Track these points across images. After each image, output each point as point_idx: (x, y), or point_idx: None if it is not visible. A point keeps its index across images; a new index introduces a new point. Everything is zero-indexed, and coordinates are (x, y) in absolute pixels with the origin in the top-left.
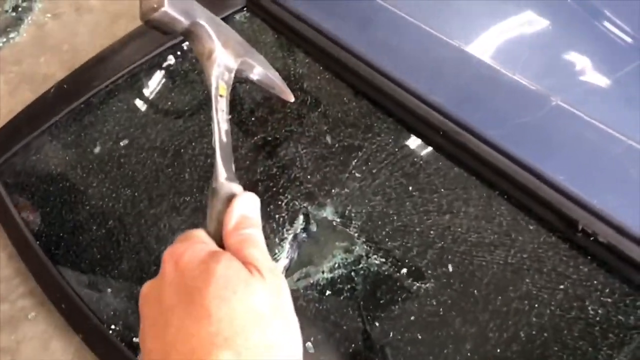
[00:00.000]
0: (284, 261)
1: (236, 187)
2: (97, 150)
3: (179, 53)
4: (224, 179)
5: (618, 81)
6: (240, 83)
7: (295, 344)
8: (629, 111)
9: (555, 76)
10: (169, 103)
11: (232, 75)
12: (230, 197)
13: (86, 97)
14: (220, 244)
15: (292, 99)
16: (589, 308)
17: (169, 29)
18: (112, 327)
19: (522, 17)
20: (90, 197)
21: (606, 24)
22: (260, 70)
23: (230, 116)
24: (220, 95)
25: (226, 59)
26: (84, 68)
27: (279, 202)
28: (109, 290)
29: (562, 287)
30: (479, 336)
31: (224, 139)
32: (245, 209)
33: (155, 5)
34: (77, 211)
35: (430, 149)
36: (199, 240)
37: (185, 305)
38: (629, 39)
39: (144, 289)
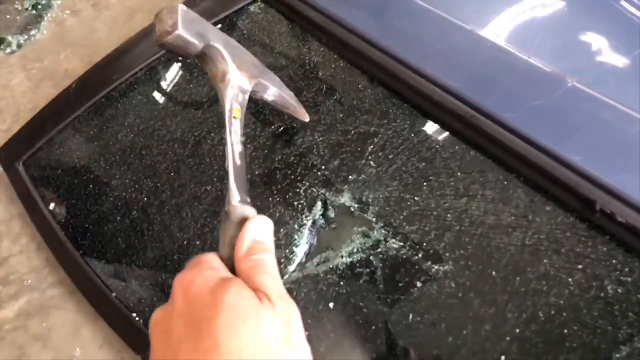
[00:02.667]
0: (303, 247)
1: (249, 211)
2: (119, 142)
3: None
4: (237, 202)
5: (634, 60)
6: None
7: None
8: None
9: (570, 58)
10: (188, 94)
11: (247, 96)
12: (243, 221)
13: (107, 91)
14: (233, 268)
15: (307, 119)
16: (608, 288)
17: (183, 52)
18: (139, 314)
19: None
20: (114, 188)
21: (623, 2)
22: (275, 91)
23: (244, 138)
24: (235, 118)
25: (240, 80)
26: (103, 63)
27: (298, 190)
28: (135, 278)
29: (580, 267)
30: (498, 317)
31: (238, 161)
32: (257, 233)
33: (169, 29)
34: (102, 202)
35: (446, 133)
36: (210, 266)
37: (194, 337)
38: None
39: (154, 317)
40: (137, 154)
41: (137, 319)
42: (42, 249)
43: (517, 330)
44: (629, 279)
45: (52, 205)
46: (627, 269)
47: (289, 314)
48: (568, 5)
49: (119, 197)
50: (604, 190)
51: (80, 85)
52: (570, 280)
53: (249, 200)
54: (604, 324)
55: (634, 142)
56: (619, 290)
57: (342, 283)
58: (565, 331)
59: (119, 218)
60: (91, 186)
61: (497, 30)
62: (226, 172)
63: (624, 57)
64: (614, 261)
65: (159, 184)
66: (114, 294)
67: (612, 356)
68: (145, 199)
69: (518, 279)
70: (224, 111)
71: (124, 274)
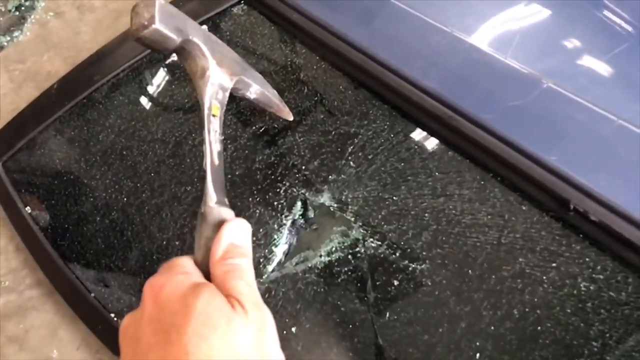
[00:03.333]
0: (282, 247)
1: (226, 212)
2: (99, 143)
3: None
4: (213, 202)
5: (609, 62)
6: None
7: None
8: (619, 91)
9: (546, 60)
10: (170, 95)
11: (227, 94)
12: (220, 223)
13: (88, 91)
14: (208, 272)
15: (291, 118)
16: (581, 285)
17: (160, 47)
18: (117, 314)
19: (515, 3)
20: (94, 189)
21: (599, 6)
22: (257, 89)
23: (223, 137)
24: (213, 115)
25: (220, 77)
26: (85, 64)
27: (277, 190)
28: (114, 279)
29: (554, 265)
30: (473, 315)
31: (216, 160)
32: (234, 236)
33: (145, 22)
34: (82, 203)
35: (424, 134)
36: (182, 270)
37: (162, 344)
38: (619, 20)
39: (123, 322)
40: (117, 154)
41: (116, 319)
42: (20, 250)
43: (492, 328)
44: (601, 277)
45: (31, 206)
46: (599, 267)
47: (262, 321)
48: (544, 8)
49: (99, 197)
50: (577, 189)
51: (61, 86)
52: (544, 277)
53: (226, 201)
54: (577, 320)
55: (606, 142)
56: (592, 288)
57: (320, 282)
58: (539, 328)
59: (98, 218)
60: (71, 187)
61: (477, 33)
62: (203, 172)
63: (597, 59)
64: (587, 259)
65: (138, 184)
66: (92, 295)
67: (584, 352)
68: (125, 199)
69: (493, 276)
70: (203, 109)
71: (102, 274)
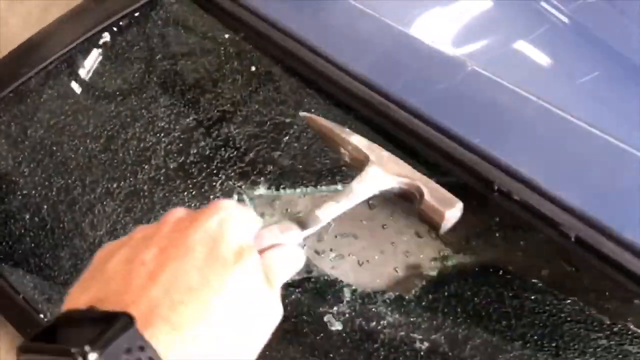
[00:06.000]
0: None
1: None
2: (28, 138)
3: (107, 37)
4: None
5: (531, 43)
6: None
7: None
8: (539, 72)
9: (471, 43)
10: (100, 88)
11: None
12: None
13: (14, 85)
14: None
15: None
16: None
17: None
18: (48, 315)
19: None
20: (22, 186)
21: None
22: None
23: None
24: None
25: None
26: (11, 56)
27: (213, 183)
28: (44, 278)
29: None
30: None
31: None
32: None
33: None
34: (9, 202)
35: (356, 120)
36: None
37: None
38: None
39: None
40: (47, 150)
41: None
42: None
43: None
44: None
45: None
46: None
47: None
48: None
49: (28, 195)
50: (501, 170)
51: None
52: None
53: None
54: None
55: (530, 123)
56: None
57: None
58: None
59: (27, 217)
60: None
61: (406, 20)
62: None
63: (520, 40)
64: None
65: (69, 181)
66: (21, 296)
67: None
68: (56, 196)
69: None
70: None
71: (32, 275)
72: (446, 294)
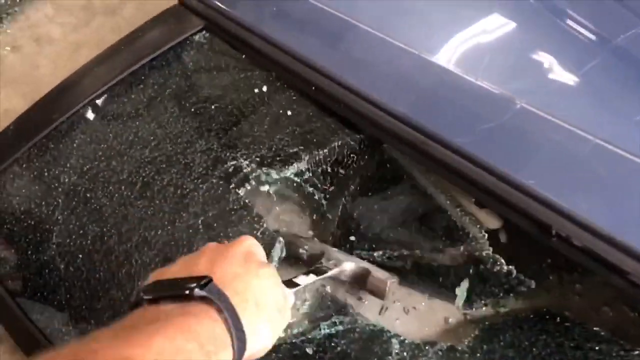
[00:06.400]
0: None
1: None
2: (61, 185)
3: (140, 80)
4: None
5: (582, 78)
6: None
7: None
8: (594, 109)
9: (518, 79)
10: (134, 133)
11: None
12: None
13: (46, 131)
14: None
15: None
16: None
17: None
18: None
19: (482, 22)
20: (57, 235)
21: (568, 21)
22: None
23: None
24: None
25: None
26: (43, 101)
27: (255, 232)
28: (80, 332)
29: None
30: None
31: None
32: None
33: None
34: (44, 251)
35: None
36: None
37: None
38: (591, 35)
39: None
40: (80, 197)
41: None
42: None
43: None
44: None
45: None
46: None
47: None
48: (513, 27)
49: (63, 244)
50: (559, 213)
51: (18, 126)
52: None
53: None
54: None
55: (587, 163)
56: None
57: None
58: None
59: (62, 267)
60: (32, 233)
61: (445, 54)
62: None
63: (571, 76)
64: None
65: (105, 229)
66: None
67: None
68: (91, 245)
69: None
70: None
71: (67, 327)
72: (502, 344)
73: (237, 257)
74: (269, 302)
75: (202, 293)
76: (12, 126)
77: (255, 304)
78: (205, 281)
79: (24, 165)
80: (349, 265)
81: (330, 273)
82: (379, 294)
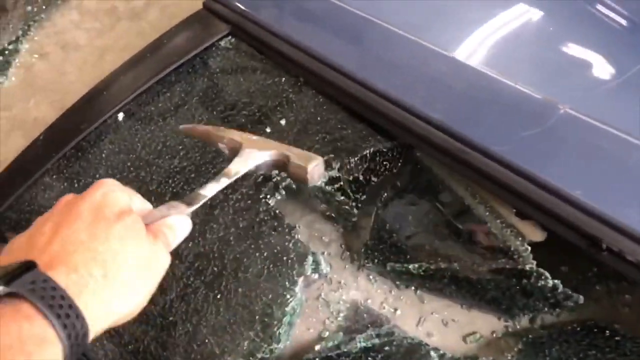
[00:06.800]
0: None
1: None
2: None
3: (167, 88)
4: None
5: (630, 80)
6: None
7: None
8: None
9: (561, 82)
10: (162, 142)
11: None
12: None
13: (75, 141)
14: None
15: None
16: None
17: None
18: None
19: (522, 23)
20: None
21: (614, 21)
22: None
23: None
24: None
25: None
26: (71, 111)
27: (286, 243)
28: (114, 344)
29: None
30: None
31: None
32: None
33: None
34: None
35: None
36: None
37: (91, 225)
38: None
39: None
40: None
41: None
42: None
43: None
44: None
45: None
46: None
47: (163, 253)
48: (552, 24)
49: None
50: (609, 226)
51: (48, 136)
52: None
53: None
54: None
55: (635, 171)
56: None
57: None
58: None
59: None
60: None
61: (481, 56)
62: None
63: (615, 78)
64: None
65: None
66: None
67: None
68: None
69: None
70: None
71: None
72: (548, 359)
73: (84, 217)
74: (123, 266)
75: (8, 290)
76: (41, 137)
77: (102, 275)
78: (19, 271)
79: (54, 177)
80: (263, 156)
81: (243, 172)
82: (301, 180)
